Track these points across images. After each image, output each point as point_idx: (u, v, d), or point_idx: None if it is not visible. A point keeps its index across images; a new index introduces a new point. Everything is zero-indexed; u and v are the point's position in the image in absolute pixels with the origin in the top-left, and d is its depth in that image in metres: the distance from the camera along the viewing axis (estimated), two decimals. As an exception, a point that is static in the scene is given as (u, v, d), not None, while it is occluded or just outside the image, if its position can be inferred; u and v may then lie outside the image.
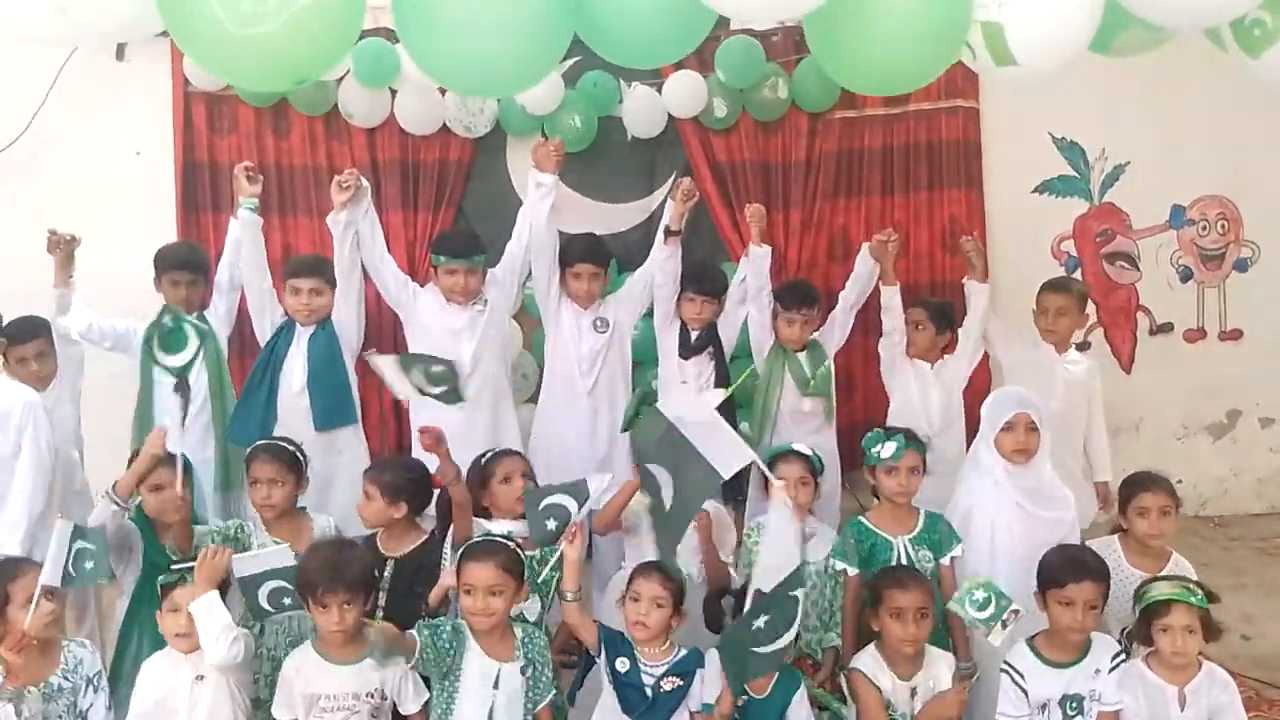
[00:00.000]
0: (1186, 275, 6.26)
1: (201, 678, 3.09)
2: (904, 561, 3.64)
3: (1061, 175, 6.08)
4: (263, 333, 4.36)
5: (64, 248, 4.06)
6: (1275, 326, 6.26)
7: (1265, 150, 5.88)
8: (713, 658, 3.20)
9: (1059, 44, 2.72)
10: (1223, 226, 6.24)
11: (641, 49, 2.78)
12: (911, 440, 3.73)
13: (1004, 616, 3.16)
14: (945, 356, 4.67)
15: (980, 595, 3.22)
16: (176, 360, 4.18)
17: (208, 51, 2.40)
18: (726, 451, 3.10)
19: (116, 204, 5.28)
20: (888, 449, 3.67)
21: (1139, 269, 6.22)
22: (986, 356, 4.78)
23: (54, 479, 3.80)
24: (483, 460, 3.69)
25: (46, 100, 5.27)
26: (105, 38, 2.49)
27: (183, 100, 5.47)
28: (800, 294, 4.56)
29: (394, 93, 5.32)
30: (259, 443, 3.76)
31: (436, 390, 3.64)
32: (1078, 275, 6.09)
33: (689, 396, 3.51)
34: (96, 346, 4.24)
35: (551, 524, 3.22)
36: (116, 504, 3.45)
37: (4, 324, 3.97)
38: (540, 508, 3.25)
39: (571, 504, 3.28)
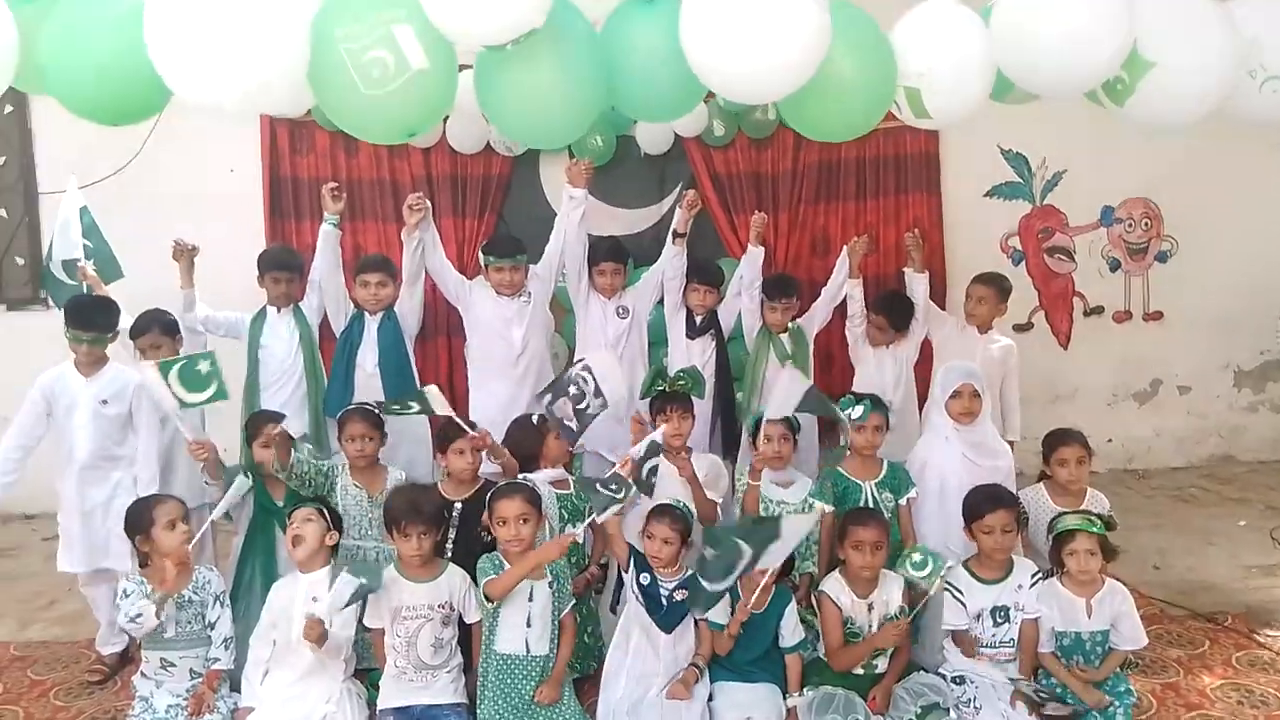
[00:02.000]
0: (1115, 266, 6.37)
1: (316, 599, 3.36)
2: (870, 503, 3.84)
3: (1008, 181, 6.22)
4: (339, 324, 4.54)
5: (187, 255, 4.28)
6: (1191, 308, 6.38)
7: (1183, 158, 5.96)
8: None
9: (960, 104, 3.07)
10: (1146, 224, 6.35)
11: (656, 111, 3.14)
12: (877, 404, 3.98)
13: (940, 572, 3.39)
14: (897, 338, 4.87)
15: (917, 558, 3.45)
16: None
17: (344, 110, 2.68)
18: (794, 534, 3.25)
19: (215, 214, 5.35)
20: (857, 411, 3.91)
21: (1075, 261, 6.33)
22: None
23: (168, 443, 4.05)
24: (534, 421, 3.93)
25: (155, 127, 5.27)
26: (274, 109, 2.76)
27: (268, 125, 5.60)
28: (781, 286, 4.76)
29: (445, 118, 5.40)
30: (349, 407, 4.00)
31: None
32: (1022, 268, 6.21)
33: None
34: (214, 334, 4.45)
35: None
36: (246, 475, 3.72)
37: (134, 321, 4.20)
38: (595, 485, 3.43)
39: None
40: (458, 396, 5.29)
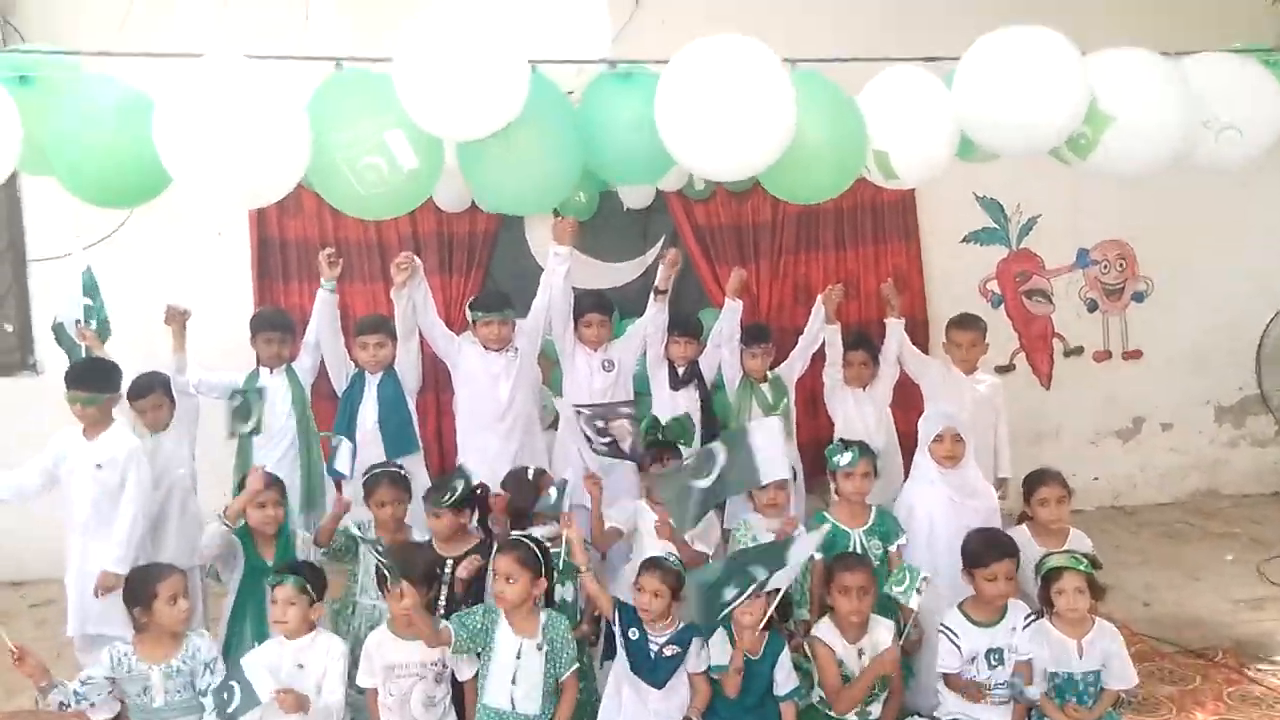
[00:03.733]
0: (1093, 306, 6.46)
1: (301, 666, 3.36)
2: (859, 550, 3.85)
3: (985, 227, 6.31)
4: (339, 383, 4.61)
5: (179, 319, 4.31)
6: (1169, 346, 6.47)
7: (1154, 199, 5.98)
8: (719, 635, 3.47)
9: (927, 165, 3.22)
10: (1121, 265, 6.45)
11: (636, 177, 3.27)
12: (865, 450, 4.01)
13: (917, 585, 3.43)
14: (873, 380, 4.96)
15: (896, 574, 3.51)
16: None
17: (344, 204, 2.91)
18: (774, 459, 3.43)
19: (204, 277, 5.46)
20: (846, 457, 3.94)
21: (1053, 302, 6.42)
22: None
23: (155, 510, 4.07)
24: (528, 476, 3.96)
25: None
26: (273, 200, 2.98)
27: None
28: (756, 333, 4.88)
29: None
30: (376, 470, 4.00)
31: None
32: (1001, 310, 6.30)
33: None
34: (206, 397, 4.49)
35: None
36: (226, 525, 3.74)
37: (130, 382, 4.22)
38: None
39: (556, 496, 3.70)
40: (447, 450, 5.40)
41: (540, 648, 3.35)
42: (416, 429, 4.66)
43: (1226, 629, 4.56)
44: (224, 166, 2.63)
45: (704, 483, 3.41)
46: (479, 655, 3.37)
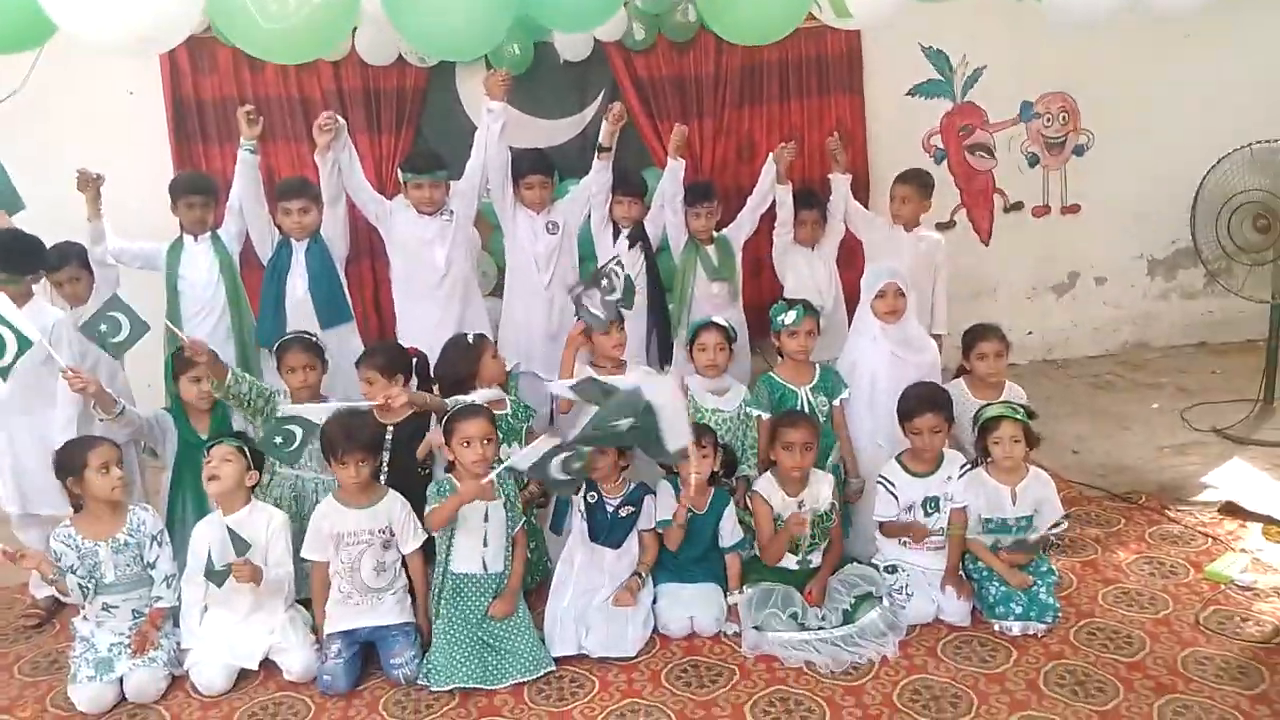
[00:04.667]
0: (1034, 161, 6.47)
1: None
2: (805, 408, 3.92)
3: (930, 79, 6.24)
4: (264, 251, 4.48)
5: (92, 185, 4.10)
6: (1106, 201, 6.52)
7: (1099, 51, 6.01)
8: (663, 487, 3.59)
9: (884, 2, 3.14)
10: (1064, 118, 6.44)
11: (574, 19, 3.10)
12: (809, 308, 4.03)
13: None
14: (821, 238, 4.99)
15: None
16: None
17: (246, 41, 2.66)
18: (676, 425, 3.18)
19: (117, 140, 5.19)
20: (790, 316, 3.97)
21: (995, 157, 6.42)
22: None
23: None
24: (469, 341, 3.92)
25: (43, 50, 5.10)
26: (169, 45, 2.71)
27: None
28: (700, 191, 4.79)
29: (354, 29, 5.19)
30: (288, 336, 3.93)
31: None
32: (944, 166, 6.29)
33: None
34: (128, 267, 4.34)
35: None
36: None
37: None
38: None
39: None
40: (385, 320, 5.36)
41: (505, 505, 3.42)
42: (348, 298, 4.59)
43: (1151, 474, 4.76)
44: (104, 3, 2.41)
45: (618, 423, 3.16)
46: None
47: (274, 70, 5.44)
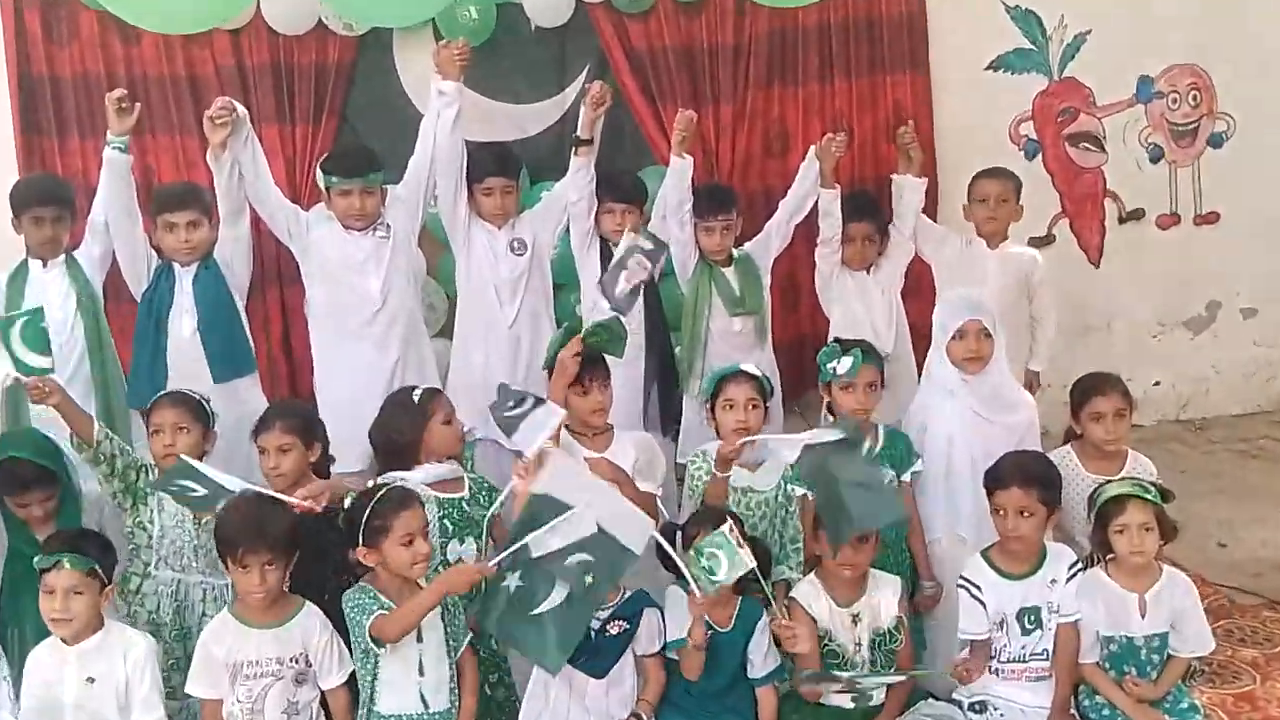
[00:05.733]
0: (1157, 155, 6.48)
1: (92, 680, 3.32)
2: None
3: (1017, 49, 6.25)
4: (137, 280, 4.47)
5: None
6: (1256, 207, 6.53)
7: (1240, 9, 6.08)
8: (673, 595, 3.52)
9: None
10: (1195, 98, 6.46)
11: None
12: (868, 354, 4.02)
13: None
14: (879, 260, 5.00)
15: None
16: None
17: (132, 8, 2.64)
18: (629, 526, 3.26)
19: None
20: (844, 364, 3.94)
21: (1105, 150, 6.42)
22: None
23: None
24: (414, 398, 3.85)
25: None
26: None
27: (12, 6, 5.33)
28: (715, 198, 4.81)
29: None
30: (164, 393, 3.93)
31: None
32: (1038, 163, 6.30)
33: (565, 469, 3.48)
34: None
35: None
36: None
37: None
38: None
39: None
40: (299, 369, 5.35)
41: (444, 617, 3.37)
42: (250, 340, 4.59)
43: (1324, 575, 4.73)
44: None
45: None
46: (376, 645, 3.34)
47: (154, 41, 5.40)
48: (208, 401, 3.94)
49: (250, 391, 4.50)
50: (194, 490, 3.45)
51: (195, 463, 3.55)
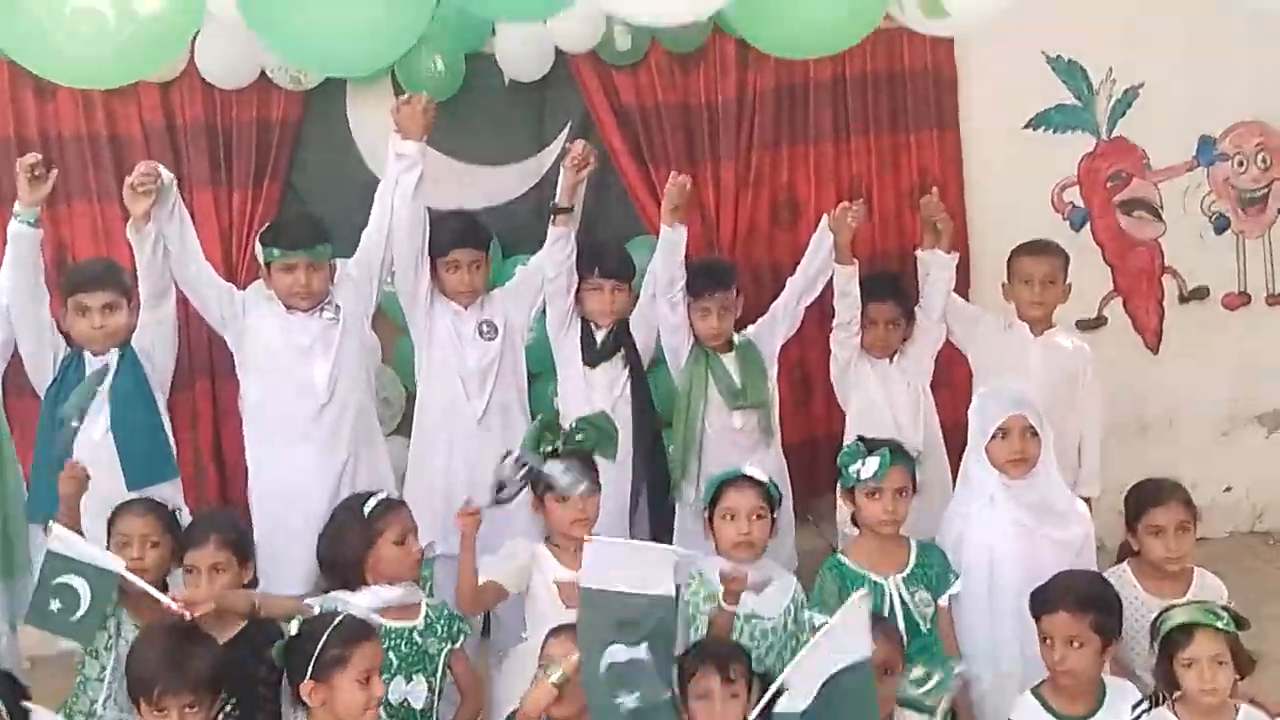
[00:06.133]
0: (1222, 225, 6.47)
1: None
2: (897, 607, 3.89)
3: (1059, 104, 6.25)
4: (41, 371, 4.48)
5: None
6: None
7: None
8: None
9: None
10: (1264, 160, 6.45)
11: (522, 6, 3.09)
12: (898, 454, 4.00)
13: (950, 683, 3.41)
14: (903, 346, 5.01)
15: (918, 672, 3.44)
16: None
17: (30, 54, 2.73)
18: (654, 570, 3.28)
19: None
20: (869, 466, 3.93)
21: (1162, 219, 6.41)
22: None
23: None
24: (364, 510, 3.82)
25: None
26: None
27: None
28: (712, 275, 4.84)
29: (194, 35, 5.38)
30: (128, 500, 3.95)
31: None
32: (1086, 234, 6.29)
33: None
34: None
35: None
36: None
37: None
38: None
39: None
40: (230, 474, 5.35)
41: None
42: (172, 441, 4.60)
43: None
44: None
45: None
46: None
47: (70, 95, 5.46)
48: (179, 511, 3.98)
49: (172, 501, 4.37)
50: (74, 609, 3.49)
51: (69, 538, 3.54)
